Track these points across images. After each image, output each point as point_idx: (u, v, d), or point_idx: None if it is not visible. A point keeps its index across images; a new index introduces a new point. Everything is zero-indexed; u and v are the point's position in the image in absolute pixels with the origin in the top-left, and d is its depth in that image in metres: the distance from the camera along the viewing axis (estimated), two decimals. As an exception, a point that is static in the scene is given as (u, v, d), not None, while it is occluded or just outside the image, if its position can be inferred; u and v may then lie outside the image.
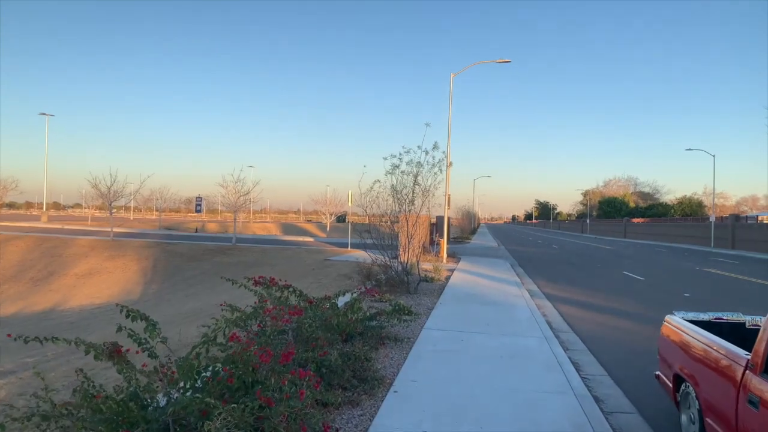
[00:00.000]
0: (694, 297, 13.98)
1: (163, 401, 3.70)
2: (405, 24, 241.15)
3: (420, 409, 4.83)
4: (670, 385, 4.76)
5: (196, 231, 49.43)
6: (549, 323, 9.58)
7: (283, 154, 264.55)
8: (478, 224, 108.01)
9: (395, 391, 5.26)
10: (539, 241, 51.55)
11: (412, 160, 13.09)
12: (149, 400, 3.62)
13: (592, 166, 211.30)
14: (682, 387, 4.51)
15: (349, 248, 27.91)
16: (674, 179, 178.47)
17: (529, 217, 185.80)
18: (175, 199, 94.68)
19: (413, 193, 13.30)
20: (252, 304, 6.15)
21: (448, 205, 23.41)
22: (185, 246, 30.17)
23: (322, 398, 4.39)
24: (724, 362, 3.71)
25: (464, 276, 16.64)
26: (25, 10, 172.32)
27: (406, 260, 13.33)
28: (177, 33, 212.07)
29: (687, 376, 4.33)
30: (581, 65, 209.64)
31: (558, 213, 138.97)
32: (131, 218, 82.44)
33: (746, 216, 54.35)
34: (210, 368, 3.93)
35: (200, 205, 50.96)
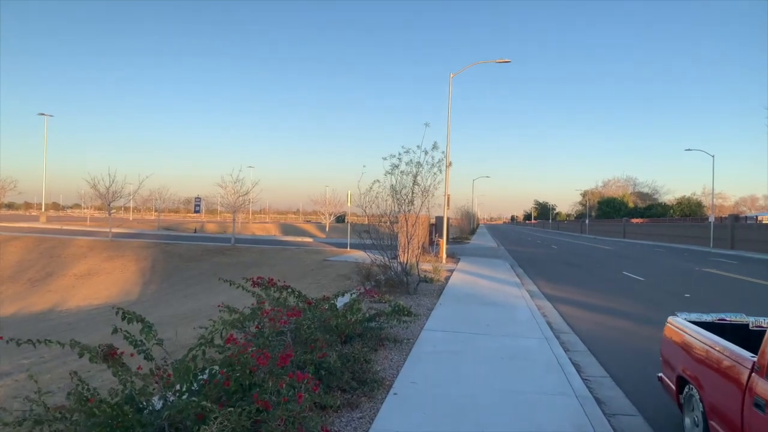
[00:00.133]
0: (695, 297, 13.93)
1: (159, 404, 3.64)
2: (404, 24, 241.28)
3: (420, 411, 4.77)
4: (673, 387, 4.70)
5: (195, 231, 49.38)
6: (549, 324, 9.52)
7: (282, 154, 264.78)
8: (478, 225, 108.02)
9: (395, 393, 5.20)
10: (538, 242, 51.52)
11: (411, 160, 13.05)
12: (145, 404, 3.56)
13: (591, 167, 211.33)
14: (686, 389, 4.46)
15: (348, 249, 27.86)
16: (673, 179, 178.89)
17: (528, 217, 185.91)
18: (174, 199, 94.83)
19: (413, 193, 13.25)
20: (250, 305, 6.09)
21: (448, 205, 23.36)
22: (184, 246, 30.10)
23: (321, 401, 4.33)
24: (729, 364, 3.65)
25: (464, 276, 16.59)
26: (24, 10, 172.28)
27: (405, 261, 13.27)
28: (177, 33, 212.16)
29: (690, 378, 4.28)
30: (580, 65, 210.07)
31: (557, 213, 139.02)
32: (130, 219, 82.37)
33: (745, 216, 54.39)
34: (207, 371, 3.87)
35: (199, 205, 50.88)
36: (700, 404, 4.06)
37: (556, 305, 12.03)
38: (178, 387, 3.63)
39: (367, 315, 7.39)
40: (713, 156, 45.43)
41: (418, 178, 13.15)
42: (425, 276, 14.29)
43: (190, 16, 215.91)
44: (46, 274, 26.04)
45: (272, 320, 5.33)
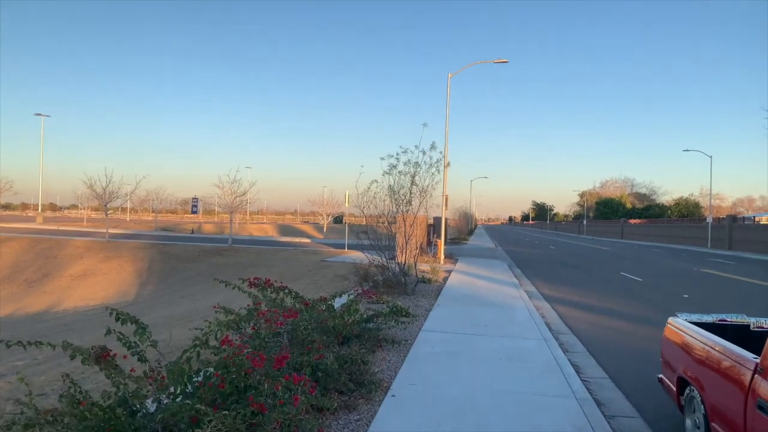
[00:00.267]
0: (694, 298, 13.91)
1: (152, 407, 3.58)
2: (404, 24, 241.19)
3: (418, 413, 4.72)
4: (674, 388, 4.65)
5: (192, 232, 49.26)
6: (548, 325, 9.47)
7: (280, 154, 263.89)
8: (475, 225, 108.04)
9: (393, 395, 5.14)
10: (536, 242, 51.53)
11: (409, 160, 13.02)
12: (138, 407, 3.50)
13: (588, 167, 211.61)
14: (687, 391, 4.41)
15: (346, 249, 27.80)
16: (671, 180, 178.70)
17: (525, 218, 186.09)
18: (171, 200, 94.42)
19: (410, 193, 13.22)
20: (246, 306, 6.03)
21: (446, 205, 23.31)
22: (181, 247, 30.01)
23: (318, 403, 4.27)
24: (732, 366, 3.61)
25: (462, 277, 16.54)
26: (21, 11, 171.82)
27: (403, 261, 13.22)
28: (176, 33, 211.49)
29: (692, 379, 4.23)
30: (579, 66, 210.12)
31: (555, 214, 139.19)
32: (127, 219, 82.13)
33: (743, 217, 54.46)
34: (202, 373, 3.81)
35: (196, 206, 50.69)
36: (702, 406, 4.01)
37: (555, 306, 11.99)
38: (172, 389, 3.57)
39: (365, 316, 7.34)
40: (711, 157, 45.57)
41: (416, 178, 13.12)
42: (423, 276, 14.24)
43: (190, 16, 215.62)
44: (42, 275, 25.92)
45: (268, 321, 5.27)
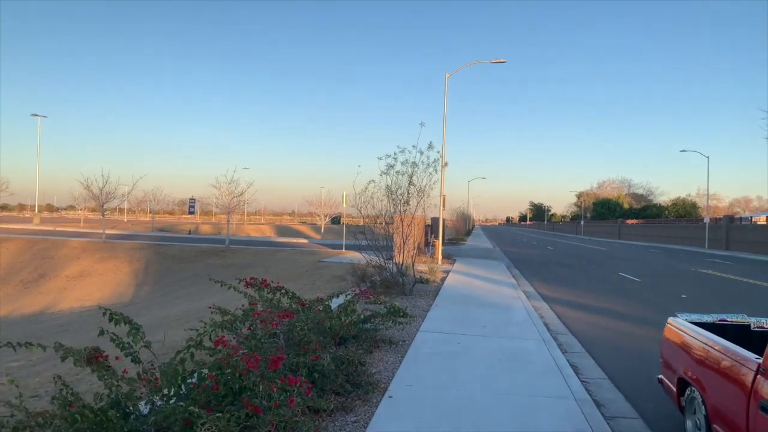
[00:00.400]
0: (692, 298, 13.89)
1: (145, 410, 3.52)
2: (404, 24, 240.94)
3: (416, 414, 4.67)
4: (674, 389, 4.61)
5: (190, 233, 49.12)
6: (546, 325, 9.43)
7: (278, 155, 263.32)
8: (473, 226, 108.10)
9: (390, 396, 5.09)
10: (534, 243, 51.53)
11: (407, 160, 12.96)
12: (131, 409, 3.44)
13: (586, 168, 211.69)
14: (687, 391, 4.37)
15: (343, 250, 27.74)
16: (668, 181, 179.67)
17: (523, 218, 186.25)
18: (168, 200, 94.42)
19: (408, 193, 13.17)
20: (242, 306, 5.97)
21: (444, 206, 23.26)
22: (178, 248, 29.90)
23: (314, 404, 4.22)
24: (733, 366, 3.56)
25: (460, 277, 16.50)
26: (18, 11, 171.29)
27: (401, 261, 13.16)
28: (176, 33, 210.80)
29: (692, 380, 4.19)
30: (577, 66, 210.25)
31: (552, 215, 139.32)
32: (125, 220, 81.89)
33: (740, 217, 54.63)
34: (196, 374, 3.75)
35: (194, 206, 50.60)
36: (703, 407, 3.97)
37: (553, 306, 11.95)
38: (165, 391, 3.51)
39: (362, 316, 7.28)
40: (708, 157, 45.60)
41: (414, 178, 13.08)
42: (421, 277, 14.19)
43: (190, 16, 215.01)
44: (38, 276, 25.79)
45: (264, 322, 5.21)
